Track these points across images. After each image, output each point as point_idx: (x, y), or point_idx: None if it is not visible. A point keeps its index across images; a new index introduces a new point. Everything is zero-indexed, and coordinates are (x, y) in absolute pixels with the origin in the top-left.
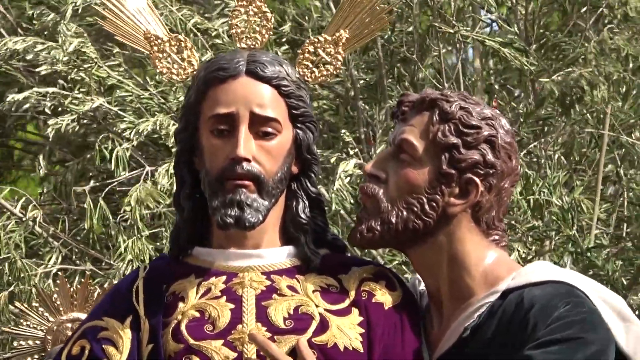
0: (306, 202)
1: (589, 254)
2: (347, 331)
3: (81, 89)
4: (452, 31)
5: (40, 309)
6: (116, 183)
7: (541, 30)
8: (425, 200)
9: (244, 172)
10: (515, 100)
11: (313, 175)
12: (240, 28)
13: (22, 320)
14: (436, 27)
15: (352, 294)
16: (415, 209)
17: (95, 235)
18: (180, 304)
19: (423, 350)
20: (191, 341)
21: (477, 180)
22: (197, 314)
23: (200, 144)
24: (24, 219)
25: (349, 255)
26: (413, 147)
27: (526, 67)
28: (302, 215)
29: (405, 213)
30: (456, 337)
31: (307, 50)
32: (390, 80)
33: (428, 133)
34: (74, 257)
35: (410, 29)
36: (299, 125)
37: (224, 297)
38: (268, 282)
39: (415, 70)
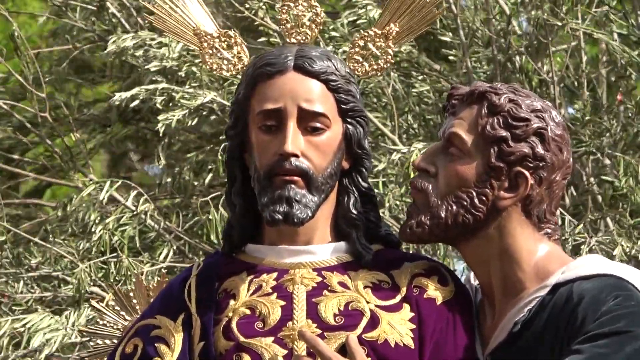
0: (357, 198)
1: None
2: (398, 327)
3: (192, 84)
4: (560, 24)
5: (117, 307)
6: None
7: None
8: (474, 194)
9: (292, 167)
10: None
11: (364, 170)
12: (290, 23)
13: (99, 320)
14: (547, 21)
15: (404, 289)
16: (465, 203)
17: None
18: (232, 302)
19: (475, 346)
20: (241, 339)
21: (527, 173)
22: (248, 312)
23: (250, 140)
24: (135, 212)
25: (403, 250)
26: (462, 140)
27: (635, 60)
28: (354, 211)
29: (454, 207)
30: (507, 331)
31: (357, 44)
32: (508, 73)
33: (477, 126)
34: (187, 250)
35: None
36: (348, 120)
37: (275, 294)
38: (319, 279)
39: (534, 62)
